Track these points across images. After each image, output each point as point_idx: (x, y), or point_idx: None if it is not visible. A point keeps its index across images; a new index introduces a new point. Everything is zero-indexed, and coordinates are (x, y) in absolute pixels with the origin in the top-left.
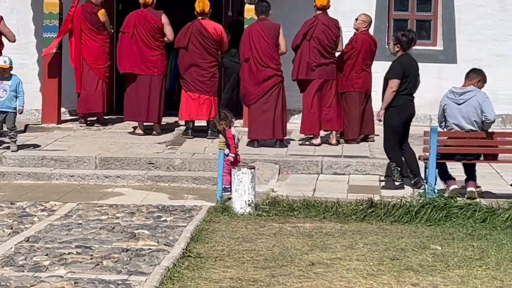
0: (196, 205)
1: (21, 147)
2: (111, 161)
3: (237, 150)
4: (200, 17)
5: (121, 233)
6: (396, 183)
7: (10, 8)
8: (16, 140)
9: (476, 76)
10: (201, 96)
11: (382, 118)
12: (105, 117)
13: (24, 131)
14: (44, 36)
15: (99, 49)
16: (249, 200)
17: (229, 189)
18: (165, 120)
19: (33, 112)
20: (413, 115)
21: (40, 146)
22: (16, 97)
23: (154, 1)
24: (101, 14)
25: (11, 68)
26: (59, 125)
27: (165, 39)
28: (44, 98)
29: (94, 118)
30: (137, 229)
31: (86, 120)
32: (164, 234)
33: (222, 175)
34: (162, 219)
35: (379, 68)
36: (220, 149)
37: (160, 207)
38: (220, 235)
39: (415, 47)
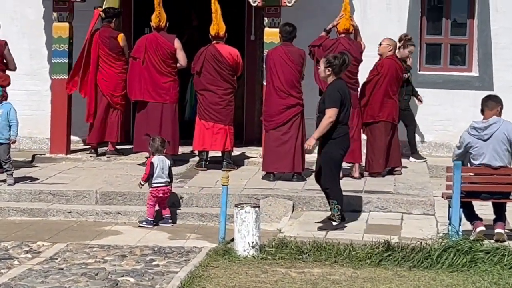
0: (196, 247)
1: (20, 179)
2: (113, 196)
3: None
4: (214, 41)
5: (102, 281)
6: (334, 223)
7: (22, 33)
8: (12, 172)
9: (496, 104)
10: (216, 125)
11: (310, 148)
12: (121, 147)
13: (31, 162)
14: (53, 61)
15: (117, 76)
16: (253, 242)
17: (152, 222)
18: (182, 150)
19: (45, 141)
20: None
21: (38, 179)
22: (10, 126)
23: (167, 25)
24: (121, 38)
25: (2, 96)
26: (68, 156)
27: (178, 65)
28: (52, 127)
29: (106, 148)
30: (122, 276)
31: (97, 150)
32: (151, 283)
33: (225, 212)
34: (154, 263)
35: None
36: (223, 184)
37: (155, 249)
38: (214, 283)
39: (449, 73)
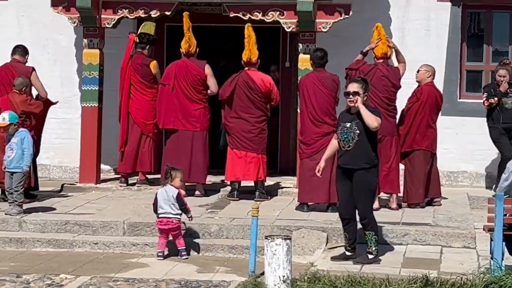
0: (224, 281)
1: (41, 209)
2: (140, 226)
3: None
4: (247, 68)
5: None
6: (370, 256)
7: (53, 59)
8: (20, 203)
9: None
10: (248, 154)
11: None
12: (153, 176)
13: (60, 191)
14: (83, 89)
15: (148, 104)
16: (284, 276)
17: (160, 253)
18: (214, 179)
19: (76, 170)
20: None
21: (55, 209)
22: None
23: (197, 51)
24: (153, 66)
25: (14, 125)
26: (97, 185)
27: (209, 91)
28: (82, 156)
29: (137, 178)
30: None
31: (127, 180)
32: None
33: (255, 245)
34: None
35: (451, 124)
36: (253, 215)
37: (182, 283)
38: None
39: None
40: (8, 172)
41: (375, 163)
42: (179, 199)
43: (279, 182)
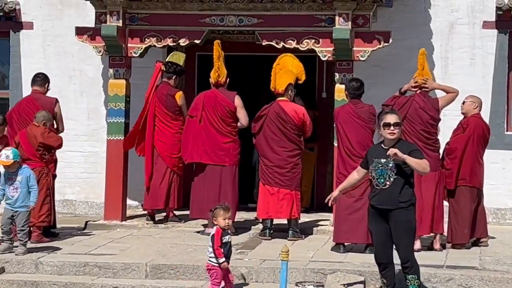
0: None
1: (50, 248)
2: (164, 269)
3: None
4: (278, 98)
5: None
6: None
7: (80, 91)
8: (25, 242)
9: None
10: (281, 191)
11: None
12: (181, 212)
13: (83, 229)
14: (108, 121)
15: (173, 136)
16: None
17: None
18: (246, 215)
19: (102, 205)
20: None
21: (60, 249)
22: (30, 192)
23: (227, 81)
24: (179, 96)
25: (18, 162)
26: (123, 222)
27: (238, 124)
28: (107, 191)
29: (164, 214)
30: None
31: (154, 217)
32: None
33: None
34: None
35: (498, 158)
36: (282, 260)
37: None
38: None
39: None
40: (12, 211)
41: (413, 201)
42: (212, 240)
43: (315, 219)
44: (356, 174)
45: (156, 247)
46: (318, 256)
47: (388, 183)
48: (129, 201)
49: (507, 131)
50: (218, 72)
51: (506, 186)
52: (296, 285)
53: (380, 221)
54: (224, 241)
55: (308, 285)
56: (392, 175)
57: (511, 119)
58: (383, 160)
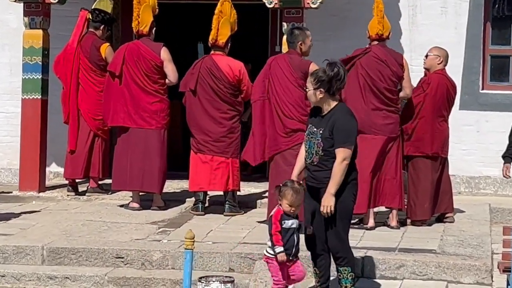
0: None
1: None
2: (64, 253)
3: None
4: (213, 52)
5: None
6: None
7: (1, 44)
8: None
9: None
10: (215, 159)
11: (331, 210)
12: (108, 181)
13: None
14: (23, 77)
15: (98, 95)
16: None
17: None
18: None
19: (17, 172)
20: None
21: None
22: None
23: (153, 30)
24: (104, 49)
25: None
26: (40, 194)
27: (166, 81)
28: (22, 158)
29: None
30: None
31: (76, 187)
32: None
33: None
34: None
35: (472, 120)
36: (186, 248)
37: None
38: None
39: None
40: None
41: (348, 179)
42: (269, 223)
43: (264, 191)
44: (303, 148)
45: (65, 225)
46: (251, 236)
47: (315, 160)
48: (57, 168)
49: (482, 89)
50: (138, 20)
51: (481, 151)
52: (199, 281)
53: (309, 201)
54: (284, 226)
55: (214, 281)
56: (319, 150)
57: (487, 75)
58: (315, 129)
